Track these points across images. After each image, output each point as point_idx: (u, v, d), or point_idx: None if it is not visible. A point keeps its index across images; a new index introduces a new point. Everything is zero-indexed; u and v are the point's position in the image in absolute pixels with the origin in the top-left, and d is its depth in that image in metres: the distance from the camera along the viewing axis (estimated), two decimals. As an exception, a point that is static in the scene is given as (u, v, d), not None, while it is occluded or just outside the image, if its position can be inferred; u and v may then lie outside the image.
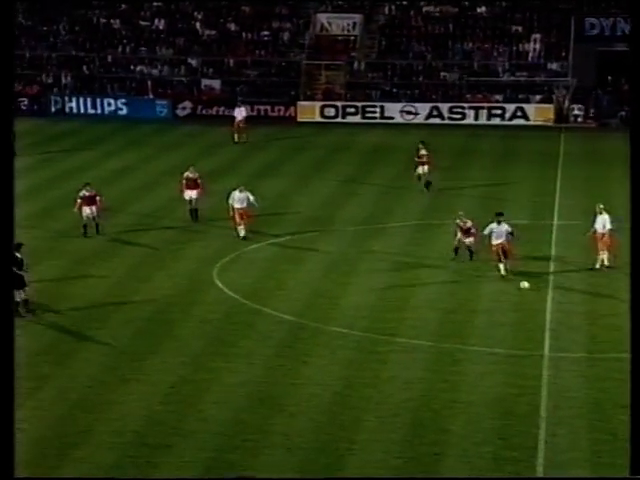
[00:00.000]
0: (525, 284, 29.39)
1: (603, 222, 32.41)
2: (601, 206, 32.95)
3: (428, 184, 43.14)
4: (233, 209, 35.77)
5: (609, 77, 62.20)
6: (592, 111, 61.10)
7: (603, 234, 32.36)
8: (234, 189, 36.20)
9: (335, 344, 26.68)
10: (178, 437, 21.34)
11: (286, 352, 26.20)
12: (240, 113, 55.68)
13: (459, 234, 33.25)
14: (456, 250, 33.35)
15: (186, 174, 38.54)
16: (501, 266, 31.58)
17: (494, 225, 31.74)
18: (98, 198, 36.42)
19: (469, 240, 33.06)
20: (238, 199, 35.75)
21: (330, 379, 24.39)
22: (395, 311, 29.10)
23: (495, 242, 31.57)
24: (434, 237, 36.88)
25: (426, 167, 43.19)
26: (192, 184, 38.16)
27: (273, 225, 38.18)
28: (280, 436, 21.41)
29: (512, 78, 62.29)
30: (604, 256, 32.37)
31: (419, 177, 43.36)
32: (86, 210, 36.15)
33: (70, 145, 54.52)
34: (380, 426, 21.90)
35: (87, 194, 36.27)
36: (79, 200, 36.19)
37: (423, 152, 43.48)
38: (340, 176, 47.17)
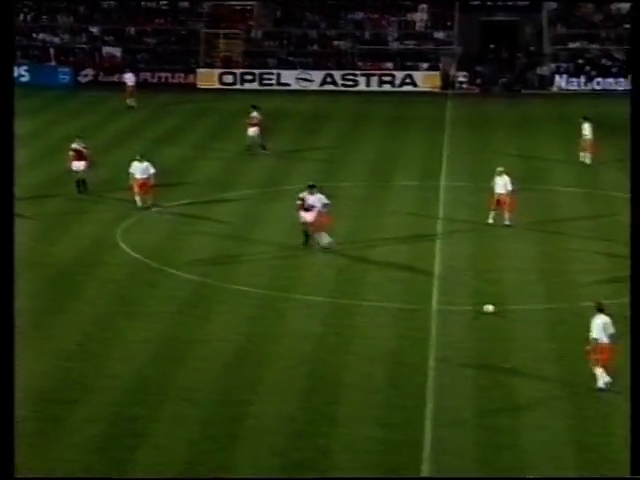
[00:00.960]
0: (489, 308, 25.52)
1: (504, 183, 32.61)
2: (500, 169, 33.06)
3: (263, 147, 42.75)
4: (134, 179, 34.88)
5: (490, 46, 62.90)
6: (476, 78, 61.75)
7: (502, 194, 32.57)
8: (134, 159, 35.38)
9: (237, 302, 26.69)
10: (84, 392, 21.18)
11: (189, 310, 26.13)
12: (130, 79, 55.10)
13: (301, 211, 30.07)
14: (306, 235, 30.18)
15: (73, 145, 37.27)
16: (323, 238, 29.88)
17: (305, 194, 30.23)
18: None
19: (309, 217, 30.08)
20: (139, 169, 34.92)
21: (232, 335, 24.43)
22: (293, 269, 29.21)
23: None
24: (329, 199, 36.98)
25: (256, 129, 42.88)
26: (79, 156, 36.94)
27: (175, 189, 37.87)
28: (183, 390, 21.40)
29: (401, 47, 62.63)
30: (506, 215, 32.55)
31: (251, 140, 42.91)
32: None
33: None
34: (279, 378, 22.04)
35: None
36: None
37: (254, 114, 43.17)
38: (240, 141, 46.96)
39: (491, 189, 33.06)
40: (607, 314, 21.55)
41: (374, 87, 60.55)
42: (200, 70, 61.74)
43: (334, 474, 18.22)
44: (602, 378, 20.99)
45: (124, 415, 20.28)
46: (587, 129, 40.97)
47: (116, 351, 23.40)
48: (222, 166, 42.14)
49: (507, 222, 32.60)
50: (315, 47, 63.06)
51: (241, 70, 61.70)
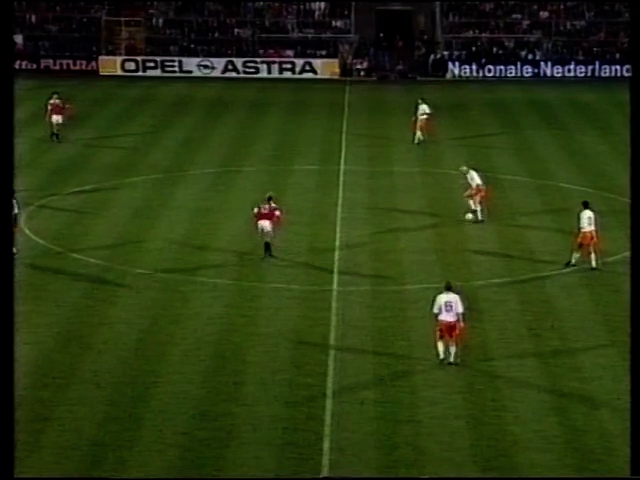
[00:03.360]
0: (470, 216, 25.95)
1: (472, 179, 31.70)
2: (464, 168, 32.36)
3: (57, 135, 41.79)
4: None
5: (381, 34, 63.14)
6: (372, 64, 61.98)
7: (479, 189, 31.51)
8: None
9: (141, 285, 26.44)
10: (-10, 378, 20.72)
11: (94, 294, 25.79)
12: None
13: (265, 222, 27.39)
14: (268, 246, 27.89)
15: None
16: None
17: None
18: None
19: (267, 225, 27.63)
20: None
21: (136, 318, 24.19)
22: (197, 253, 29.02)
23: None
24: (232, 183, 36.93)
25: (60, 117, 41.93)
26: None
27: (79, 173, 37.30)
28: (89, 373, 21.15)
29: (300, 35, 62.63)
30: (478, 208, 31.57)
31: (56, 127, 41.83)
32: None
33: None
34: (184, 359, 21.92)
35: None
36: None
37: (56, 102, 42.05)
38: (143, 127, 46.44)
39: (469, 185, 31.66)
40: (456, 293, 21.78)
41: (275, 74, 60.42)
42: (102, 57, 60.83)
43: (238, 452, 18.20)
44: (440, 351, 21.50)
45: (30, 397, 19.95)
46: (423, 109, 42.11)
47: (21, 335, 22.92)
48: (125, 151, 41.59)
49: (479, 216, 31.48)
50: (216, 35, 62.66)
51: (143, 57, 60.97)
